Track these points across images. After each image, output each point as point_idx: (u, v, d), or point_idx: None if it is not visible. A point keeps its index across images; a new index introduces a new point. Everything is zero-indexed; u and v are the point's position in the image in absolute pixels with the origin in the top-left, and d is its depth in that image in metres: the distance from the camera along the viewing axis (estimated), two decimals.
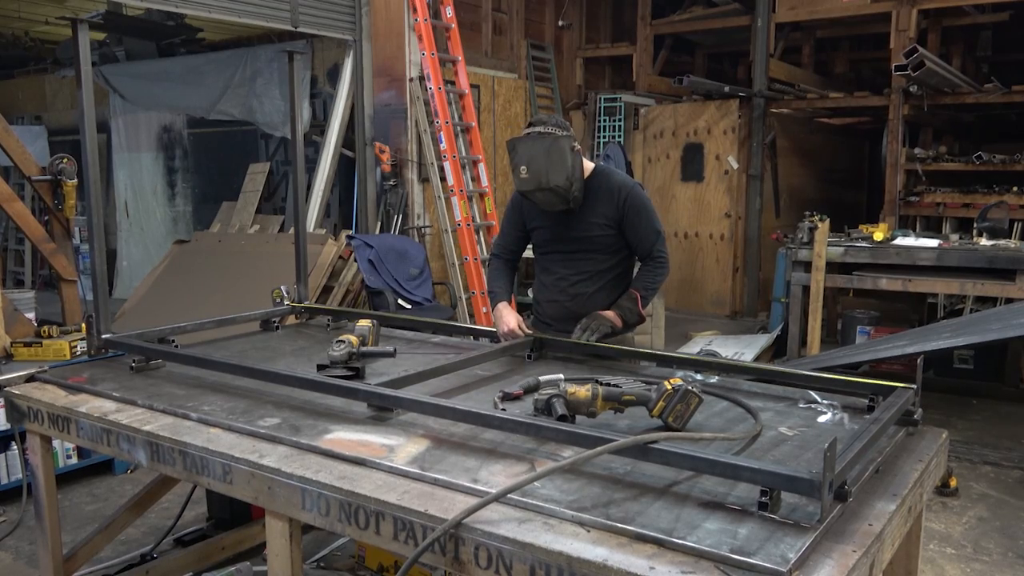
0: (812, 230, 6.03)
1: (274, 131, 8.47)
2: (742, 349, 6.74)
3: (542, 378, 2.51)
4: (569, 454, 1.93)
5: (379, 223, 7.50)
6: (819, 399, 2.40)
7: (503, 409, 2.23)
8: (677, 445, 1.78)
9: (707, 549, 1.49)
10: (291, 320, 3.73)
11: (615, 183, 3.07)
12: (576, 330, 2.96)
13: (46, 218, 5.05)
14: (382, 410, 2.25)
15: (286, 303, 3.60)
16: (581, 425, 2.00)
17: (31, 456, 2.79)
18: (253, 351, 3.12)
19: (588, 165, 3.11)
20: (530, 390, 2.43)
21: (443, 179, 7.15)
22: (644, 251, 3.13)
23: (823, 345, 6.21)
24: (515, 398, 2.38)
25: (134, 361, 2.81)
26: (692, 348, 6.93)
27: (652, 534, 1.55)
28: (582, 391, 2.08)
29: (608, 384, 2.11)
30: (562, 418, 2.03)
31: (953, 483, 4.37)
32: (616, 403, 2.09)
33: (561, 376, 2.56)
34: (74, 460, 4.48)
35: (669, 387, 2.04)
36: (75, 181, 4.86)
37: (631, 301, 3.08)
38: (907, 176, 8.25)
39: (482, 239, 7.37)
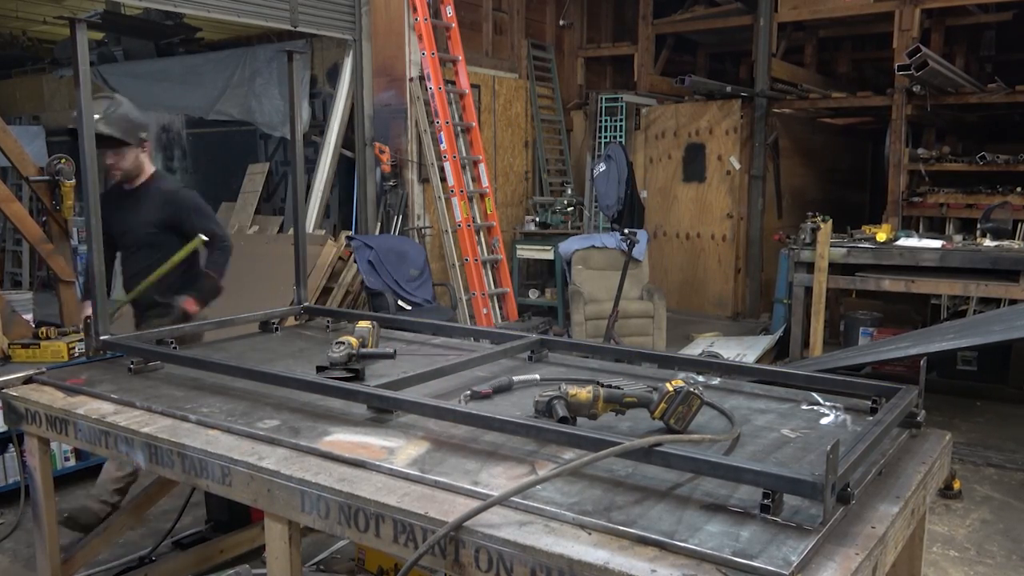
0: (815, 231, 6.02)
1: (273, 131, 8.46)
2: (744, 350, 6.72)
3: (516, 378, 2.53)
4: (571, 456, 1.91)
5: (379, 224, 7.48)
6: (821, 401, 2.38)
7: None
8: (679, 447, 1.77)
9: (709, 552, 1.48)
10: (290, 321, 3.72)
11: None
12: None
13: (44, 219, 5.03)
14: (382, 412, 2.24)
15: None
16: (583, 427, 1.98)
17: (29, 458, 2.77)
18: (252, 352, 3.10)
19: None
20: (501, 390, 2.45)
21: (443, 179, 7.13)
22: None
23: (825, 347, 6.19)
24: (484, 397, 2.39)
25: (132, 363, 2.79)
26: (694, 349, 6.92)
27: (654, 537, 1.54)
28: (583, 393, 2.07)
29: (609, 386, 2.10)
30: (563, 420, 2.02)
31: (956, 485, 4.35)
32: (617, 405, 2.08)
33: (537, 376, 2.59)
34: (72, 462, 4.47)
35: (671, 389, 2.03)
36: (73, 181, 4.85)
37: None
38: (910, 176, 8.24)
39: (482, 240, 7.36)
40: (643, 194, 9.00)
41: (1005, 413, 5.81)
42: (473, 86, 7.63)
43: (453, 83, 7.42)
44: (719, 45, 10.82)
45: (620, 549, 1.53)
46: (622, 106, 9.31)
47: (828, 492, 1.55)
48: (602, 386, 2.09)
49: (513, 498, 1.69)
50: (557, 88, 9.74)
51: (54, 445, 3.92)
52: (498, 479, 1.82)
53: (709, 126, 8.94)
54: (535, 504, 1.68)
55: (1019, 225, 7.57)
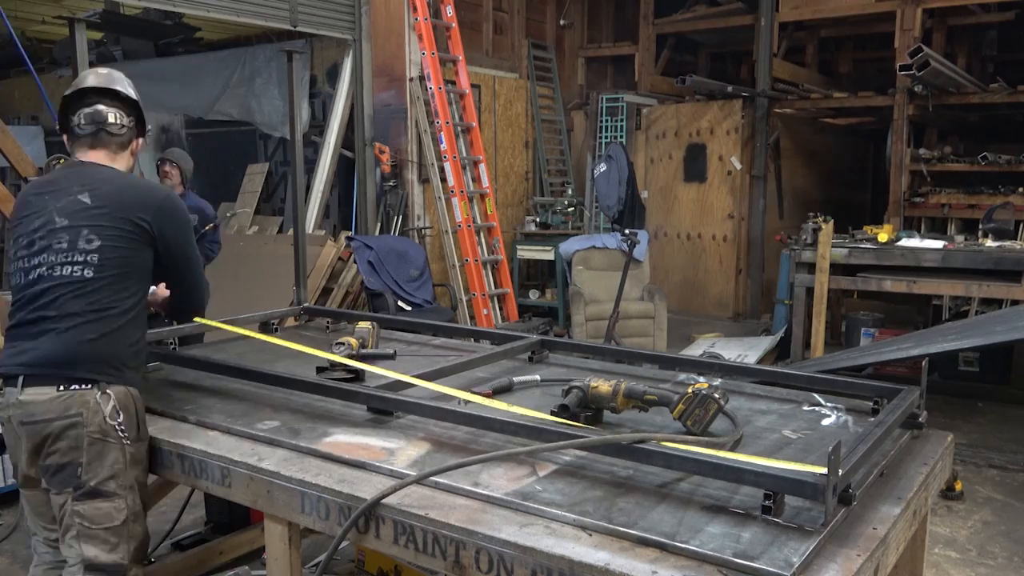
0: (816, 231, 6.00)
1: (273, 131, 8.44)
2: (745, 351, 6.71)
3: (516, 379, 2.53)
4: (570, 457, 1.91)
5: (379, 224, 7.48)
6: (823, 402, 2.38)
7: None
8: (679, 448, 1.76)
9: (710, 553, 1.48)
10: (290, 322, 3.71)
11: None
12: None
13: None
14: (382, 413, 2.23)
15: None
16: (583, 427, 1.98)
17: None
18: (252, 353, 3.10)
19: None
20: (501, 391, 2.45)
21: (443, 180, 7.13)
22: None
23: (827, 347, 6.18)
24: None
25: None
26: (695, 350, 6.91)
27: (655, 538, 1.54)
28: (604, 385, 2.07)
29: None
30: (573, 415, 2.04)
31: (958, 487, 4.34)
32: (638, 401, 2.07)
33: (537, 377, 2.59)
34: None
35: (690, 391, 2.03)
36: None
37: None
38: (912, 177, 8.23)
39: (483, 240, 7.35)
40: (644, 194, 8.99)
41: (1007, 414, 5.80)
42: (473, 86, 7.62)
43: (453, 83, 7.41)
44: (720, 45, 10.80)
45: (621, 550, 1.53)
46: (623, 106, 9.30)
47: (830, 493, 1.55)
48: (624, 381, 2.10)
49: (514, 499, 1.69)
50: (557, 88, 9.73)
51: None
52: (499, 480, 1.81)
53: (710, 126, 8.93)
54: (536, 505, 1.67)
55: (1021, 225, 7.55)
